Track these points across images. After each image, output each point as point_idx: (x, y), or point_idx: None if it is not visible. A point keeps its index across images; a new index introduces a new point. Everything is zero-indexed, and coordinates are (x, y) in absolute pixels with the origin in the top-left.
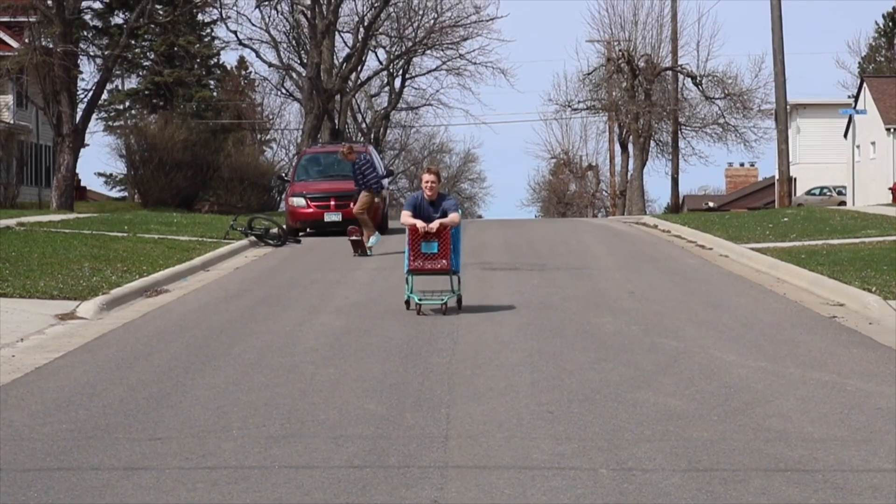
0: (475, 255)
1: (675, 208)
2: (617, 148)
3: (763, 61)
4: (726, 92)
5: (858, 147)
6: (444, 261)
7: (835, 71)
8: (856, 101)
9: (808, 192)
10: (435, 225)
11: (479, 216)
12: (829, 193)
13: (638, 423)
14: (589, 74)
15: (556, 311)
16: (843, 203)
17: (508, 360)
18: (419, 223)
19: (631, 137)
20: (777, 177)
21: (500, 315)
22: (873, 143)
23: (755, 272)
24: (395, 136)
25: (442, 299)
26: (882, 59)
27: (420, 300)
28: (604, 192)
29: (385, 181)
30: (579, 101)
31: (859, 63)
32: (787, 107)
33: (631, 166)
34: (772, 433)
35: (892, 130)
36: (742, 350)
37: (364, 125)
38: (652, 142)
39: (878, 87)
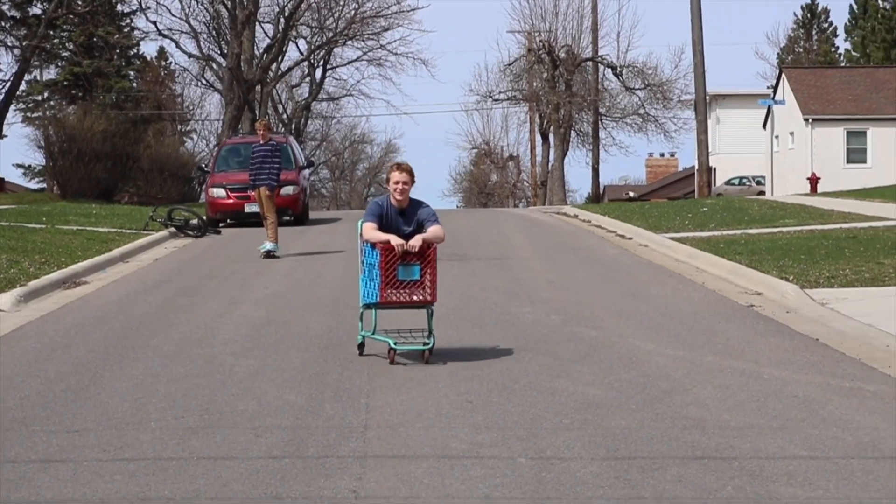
0: None
1: (596, 198)
2: (538, 138)
3: (683, 52)
4: (646, 82)
5: (777, 137)
6: (424, 291)
7: (754, 62)
8: (774, 92)
9: (728, 182)
10: (417, 242)
11: None
12: (748, 183)
13: (556, 413)
14: (510, 65)
15: (476, 301)
16: (762, 193)
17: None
18: (395, 240)
19: (552, 128)
20: (696, 167)
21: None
22: (792, 134)
23: (674, 262)
24: (316, 127)
25: (427, 343)
26: (800, 49)
27: (395, 344)
28: (525, 183)
29: (306, 172)
30: (500, 92)
31: (778, 54)
32: (707, 97)
33: (552, 156)
34: (689, 421)
35: (810, 121)
36: (660, 339)
37: (285, 116)
38: (573, 132)
39: (797, 77)
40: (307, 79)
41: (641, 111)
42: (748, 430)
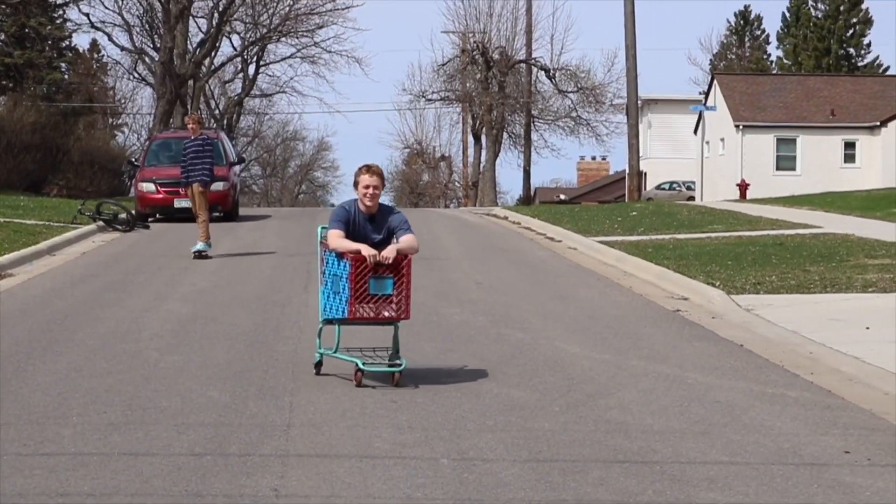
0: None
1: (527, 200)
2: (470, 139)
3: (616, 56)
4: (579, 86)
5: (708, 143)
6: (397, 307)
7: (687, 67)
8: (706, 98)
9: (658, 187)
10: (391, 253)
11: (332, 205)
12: (678, 188)
13: (480, 414)
14: (443, 65)
15: None
16: (691, 198)
17: (354, 348)
18: (366, 250)
19: (484, 129)
20: (627, 171)
21: None
22: (722, 140)
23: (603, 265)
24: (249, 123)
25: (398, 364)
26: (733, 56)
27: (364, 365)
28: (456, 183)
29: (236, 168)
30: (433, 92)
31: (711, 60)
32: (639, 102)
33: (483, 158)
34: (612, 425)
35: (740, 127)
36: (587, 342)
37: (217, 111)
38: (505, 134)
39: (729, 84)
40: (240, 74)
41: (574, 114)
42: (670, 434)
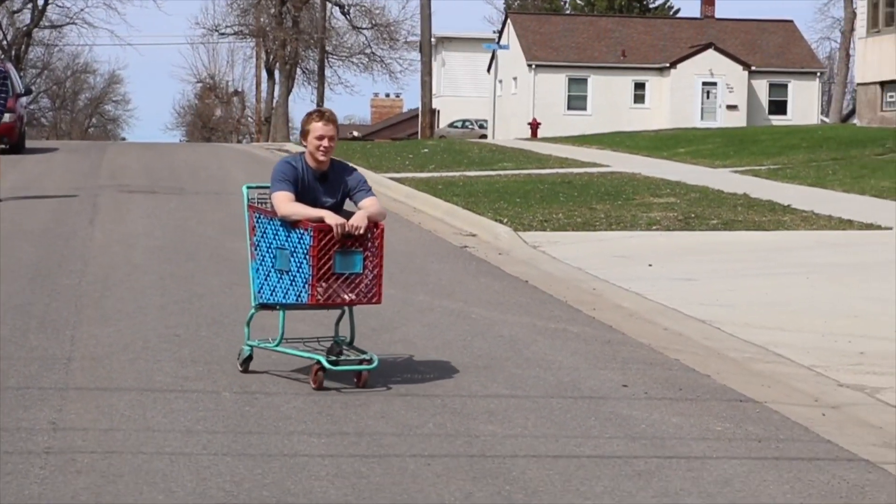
0: (113, 177)
1: None
2: (263, 74)
3: None
4: (373, 22)
5: (501, 82)
6: (360, 287)
7: (481, 6)
8: (500, 37)
9: (451, 125)
10: (362, 221)
11: (123, 139)
12: (471, 126)
13: (264, 349)
14: None
15: (192, 235)
16: (484, 136)
17: (139, 282)
18: (331, 217)
19: (278, 64)
20: (420, 108)
21: (133, 238)
22: (515, 79)
23: (392, 201)
24: (38, 55)
25: (370, 359)
26: None
27: (327, 361)
28: (249, 119)
29: (23, 99)
30: (227, 26)
31: None
32: (433, 39)
33: (277, 93)
34: (396, 359)
35: (533, 67)
36: None
37: (5, 42)
38: (299, 69)
39: (522, 23)
40: (29, 5)
41: (368, 51)
42: (453, 368)
